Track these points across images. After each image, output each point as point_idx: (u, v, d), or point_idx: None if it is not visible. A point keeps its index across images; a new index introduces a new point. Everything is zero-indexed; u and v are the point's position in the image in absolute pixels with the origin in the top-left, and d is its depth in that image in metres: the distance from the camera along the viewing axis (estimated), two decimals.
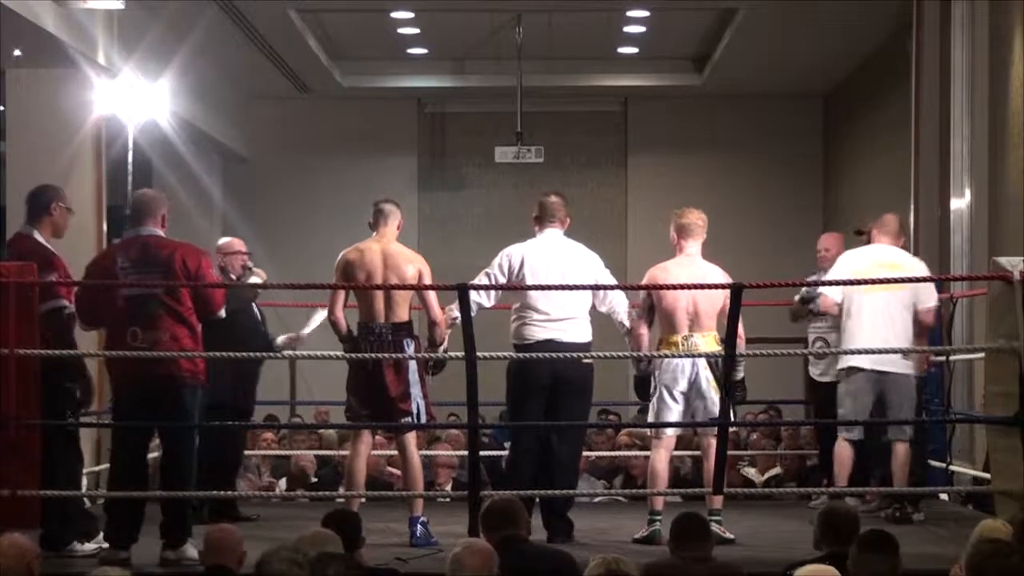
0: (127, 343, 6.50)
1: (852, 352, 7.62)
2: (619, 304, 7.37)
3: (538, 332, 7.22)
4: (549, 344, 7.14)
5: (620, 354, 7.40)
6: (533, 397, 7.22)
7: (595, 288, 7.24)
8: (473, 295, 7.06)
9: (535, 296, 7.20)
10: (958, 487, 8.44)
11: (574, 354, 7.09)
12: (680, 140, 16.57)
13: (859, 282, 7.47)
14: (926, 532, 7.43)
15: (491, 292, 7.28)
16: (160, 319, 6.50)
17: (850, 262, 7.82)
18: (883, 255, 7.83)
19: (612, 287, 7.33)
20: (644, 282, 7.27)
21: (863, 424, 7.70)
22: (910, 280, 7.60)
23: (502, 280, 7.25)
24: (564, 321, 7.21)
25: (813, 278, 8.36)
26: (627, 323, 7.36)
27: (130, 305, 6.51)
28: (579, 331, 7.25)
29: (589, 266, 7.33)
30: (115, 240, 6.75)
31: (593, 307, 7.39)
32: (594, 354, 7.30)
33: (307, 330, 8.18)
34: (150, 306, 6.50)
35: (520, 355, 7.10)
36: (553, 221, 7.40)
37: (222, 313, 6.75)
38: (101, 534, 6.66)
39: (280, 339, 8.19)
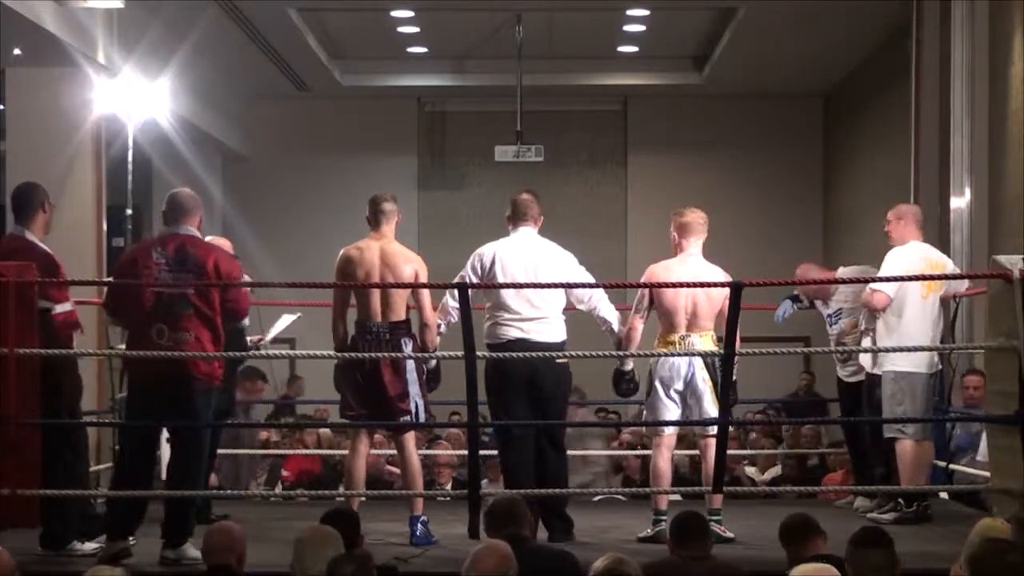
0: (152, 340, 6.50)
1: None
2: (599, 301, 7.36)
3: (510, 331, 7.18)
4: (521, 343, 7.10)
5: (614, 353, 7.38)
6: (514, 397, 7.19)
7: (571, 287, 7.20)
8: (450, 300, 7.07)
9: (506, 295, 7.16)
10: (958, 486, 8.44)
11: (551, 353, 7.07)
12: (680, 139, 16.58)
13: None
14: (926, 532, 7.43)
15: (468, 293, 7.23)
16: (187, 319, 6.50)
17: (903, 261, 7.64)
18: (930, 253, 7.80)
19: (588, 285, 7.28)
20: (644, 279, 7.26)
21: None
22: (947, 277, 7.70)
23: (475, 281, 7.19)
24: (536, 321, 7.18)
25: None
26: (610, 320, 7.35)
27: (159, 302, 6.52)
28: (552, 330, 7.21)
29: (561, 265, 7.29)
30: (149, 234, 6.74)
31: (573, 307, 7.39)
32: (592, 353, 7.28)
33: (271, 335, 8.10)
34: (180, 306, 6.50)
35: (510, 354, 7.03)
36: (526, 219, 7.37)
37: (246, 321, 6.80)
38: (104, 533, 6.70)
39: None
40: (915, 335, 7.52)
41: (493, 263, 7.25)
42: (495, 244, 7.35)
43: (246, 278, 7.80)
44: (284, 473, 10.63)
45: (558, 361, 7.17)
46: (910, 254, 7.72)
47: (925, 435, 7.70)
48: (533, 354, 7.00)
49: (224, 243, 8.01)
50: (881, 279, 7.59)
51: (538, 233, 7.39)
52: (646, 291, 7.25)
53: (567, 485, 7.63)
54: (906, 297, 7.61)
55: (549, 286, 7.07)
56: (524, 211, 7.37)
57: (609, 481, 10.50)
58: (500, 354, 7.05)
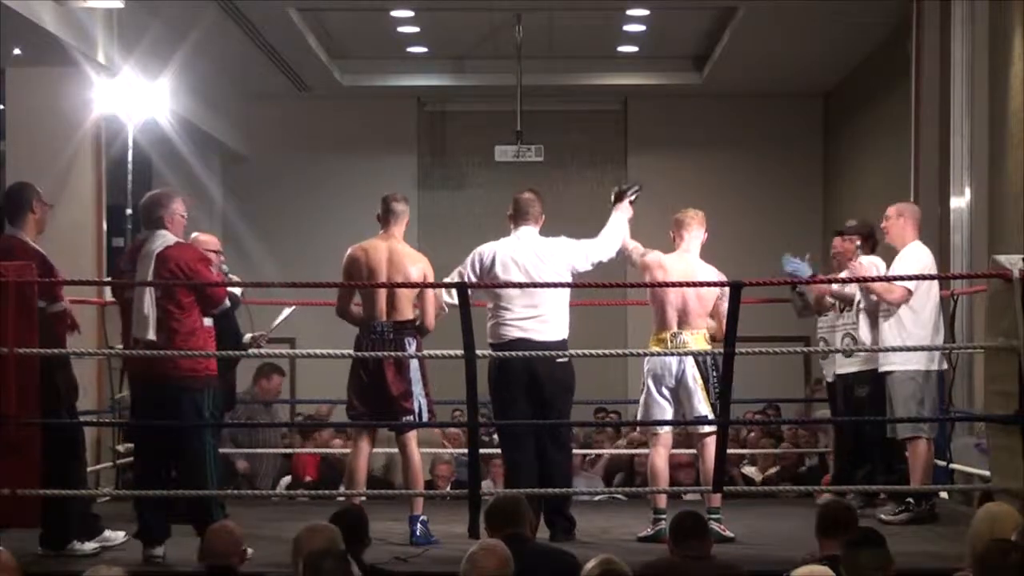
0: (131, 345, 6.63)
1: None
2: (595, 249, 7.39)
3: (512, 331, 7.19)
4: (523, 343, 7.11)
5: (613, 352, 7.40)
6: (517, 395, 7.19)
7: (565, 286, 7.19)
8: (444, 295, 7.08)
9: (507, 295, 7.18)
10: (958, 486, 8.44)
11: (552, 352, 7.08)
12: (680, 139, 16.57)
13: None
14: (927, 531, 7.43)
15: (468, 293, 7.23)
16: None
17: (919, 260, 7.66)
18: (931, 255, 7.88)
19: (578, 285, 7.33)
20: (648, 259, 7.38)
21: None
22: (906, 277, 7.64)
23: (473, 279, 7.20)
24: (536, 319, 7.19)
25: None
26: (610, 246, 7.45)
27: (130, 307, 6.61)
28: (553, 329, 7.21)
29: (561, 259, 7.30)
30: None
31: (575, 304, 7.41)
32: (591, 352, 7.30)
33: (272, 326, 8.12)
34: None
35: (511, 353, 7.04)
36: (527, 218, 7.38)
37: (226, 303, 6.84)
38: (106, 532, 6.71)
39: (246, 337, 8.15)
40: (929, 337, 7.56)
41: (493, 263, 7.26)
42: (495, 243, 7.36)
43: (215, 271, 7.70)
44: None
45: (559, 360, 7.17)
46: (924, 254, 7.75)
47: (933, 434, 7.73)
48: (534, 353, 7.00)
49: (207, 239, 7.98)
50: (895, 277, 7.61)
51: (539, 233, 7.40)
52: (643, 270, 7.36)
53: (571, 484, 7.64)
54: (928, 299, 7.62)
55: (548, 286, 7.08)
56: (526, 210, 7.38)
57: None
58: (502, 353, 7.05)
